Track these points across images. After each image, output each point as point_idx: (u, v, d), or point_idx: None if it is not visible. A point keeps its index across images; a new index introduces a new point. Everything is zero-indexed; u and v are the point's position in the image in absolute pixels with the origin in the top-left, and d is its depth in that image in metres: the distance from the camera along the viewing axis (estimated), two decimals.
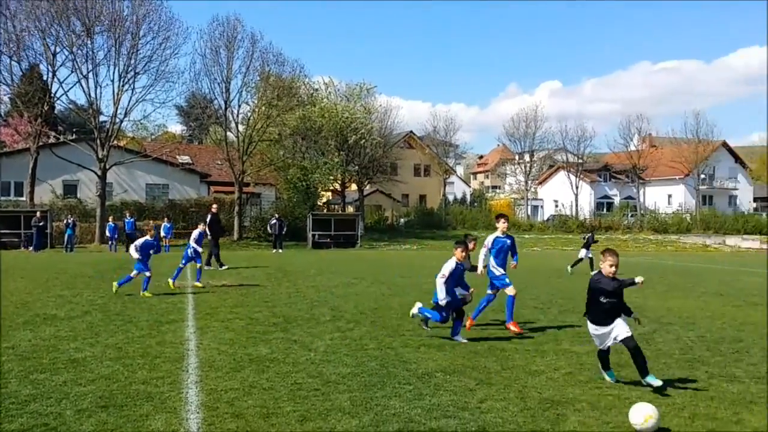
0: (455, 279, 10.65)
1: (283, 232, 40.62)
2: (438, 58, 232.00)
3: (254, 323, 11.82)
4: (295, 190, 50.81)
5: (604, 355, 7.95)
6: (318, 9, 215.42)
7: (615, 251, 7.91)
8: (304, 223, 46.67)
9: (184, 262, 18.28)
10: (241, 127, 49.12)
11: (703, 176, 72.51)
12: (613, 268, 7.69)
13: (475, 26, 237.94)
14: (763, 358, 9.48)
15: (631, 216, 69.49)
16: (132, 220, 36.88)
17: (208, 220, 23.63)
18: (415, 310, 10.72)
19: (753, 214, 73.45)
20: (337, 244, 44.42)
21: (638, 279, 7.73)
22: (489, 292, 11.77)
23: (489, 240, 11.70)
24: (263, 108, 47.86)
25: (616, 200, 77.78)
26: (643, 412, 6.07)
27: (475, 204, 73.66)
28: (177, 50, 44.55)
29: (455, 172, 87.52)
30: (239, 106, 48.60)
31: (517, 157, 76.03)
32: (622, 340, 7.53)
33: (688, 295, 17.76)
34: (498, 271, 11.59)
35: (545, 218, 72.95)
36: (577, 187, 68.58)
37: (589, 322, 7.91)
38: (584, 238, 26.49)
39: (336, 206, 61.22)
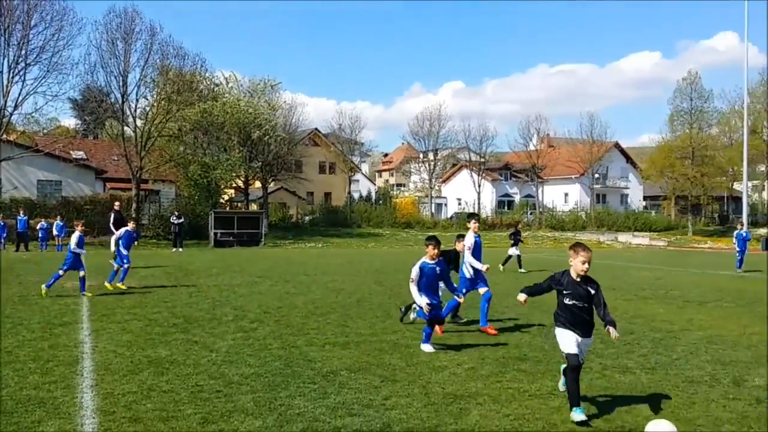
0: (429, 282, 9.60)
1: (183, 230, 39.62)
2: (342, 56, 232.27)
3: (153, 324, 11.46)
4: (196, 187, 49.64)
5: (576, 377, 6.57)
6: (220, 3, 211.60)
7: (586, 246, 6.88)
8: (205, 221, 45.68)
9: (122, 262, 17.40)
10: (139, 122, 47.57)
11: (597, 176, 75.47)
12: (586, 265, 6.68)
13: (379, 25, 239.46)
14: (653, 349, 9.92)
15: (531, 214, 71.61)
16: (24, 218, 35.18)
17: (111, 218, 22.91)
18: (412, 315, 10.45)
19: (643, 212, 77.09)
20: (240, 243, 43.67)
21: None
22: (462, 290, 11.41)
23: (470, 240, 11.52)
24: (162, 102, 46.53)
25: (517, 198, 79.99)
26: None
27: (381, 202, 74.17)
28: (71, 41, 42.48)
29: (360, 170, 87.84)
30: (137, 100, 47.10)
31: (421, 156, 76.96)
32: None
33: None
34: (468, 275, 11.53)
35: (449, 216, 74.19)
36: (479, 186, 70.05)
37: (562, 326, 6.77)
38: (512, 237, 26.64)
39: (239, 204, 60.26)
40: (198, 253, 35.94)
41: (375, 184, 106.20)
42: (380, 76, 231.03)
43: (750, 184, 57.13)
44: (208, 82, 52.03)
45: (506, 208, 77.66)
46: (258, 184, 59.14)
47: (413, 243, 51.83)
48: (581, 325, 6.72)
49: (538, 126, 74.27)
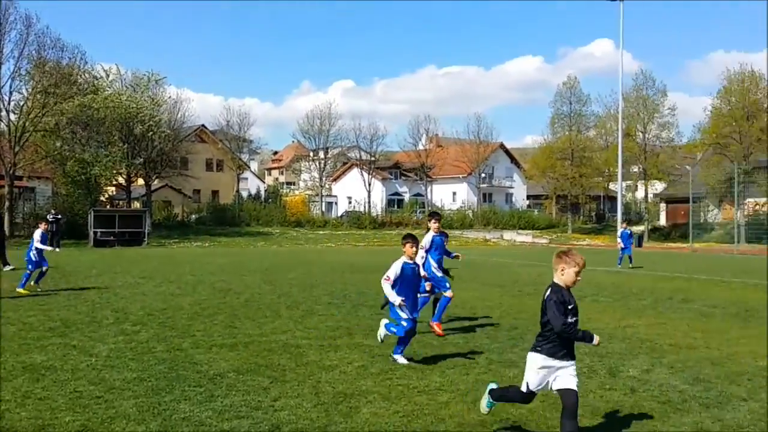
0: (407, 283, 8.72)
1: (61, 229, 37.78)
2: (230, 51, 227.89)
3: (28, 328, 10.83)
4: (74, 184, 47.43)
5: (522, 398, 5.86)
6: None
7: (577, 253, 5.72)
8: (85, 219, 43.74)
9: (31, 267, 16.43)
10: (12, 116, 44.99)
11: (483, 175, 77.56)
12: (580, 277, 5.60)
13: (267, 21, 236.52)
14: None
15: (420, 212, 72.73)
16: None
17: None
18: (382, 332, 8.87)
19: (526, 210, 79.92)
20: (121, 242, 42.07)
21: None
22: (424, 294, 11.01)
23: (427, 240, 11.24)
24: (38, 96, 44.19)
25: (406, 197, 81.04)
26: None
27: (270, 200, 73.35)
28: None
29: (249, 167, 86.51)
30: (11, 93, 44.61)
31: (311, 154, 76.68)
32: (561, 391, 5.47)
33: (469, 287, 18.83)
34: (439, 273, 11.39)
35: (339, 214, 74.31)
36: (369, 184, 70.52)
37: (536, 353, 5.64)
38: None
39: (120, 202, 58.09)
40: (77, 253, 34.36)
41: (264, 183, 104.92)
42: (269, 73, 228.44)
43: (624, 184, 60.22)
44: (88, 76, 49.88)
45: (396, 206, 78.55)
46: (141, 181, 57.19)
47: (303, 242, 51.59)
48: (569, 346, 5.68)
49: (427, 126, 75.65)
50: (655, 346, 10.14)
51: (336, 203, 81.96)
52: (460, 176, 77.89)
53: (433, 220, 11.65)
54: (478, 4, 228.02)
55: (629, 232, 28.51)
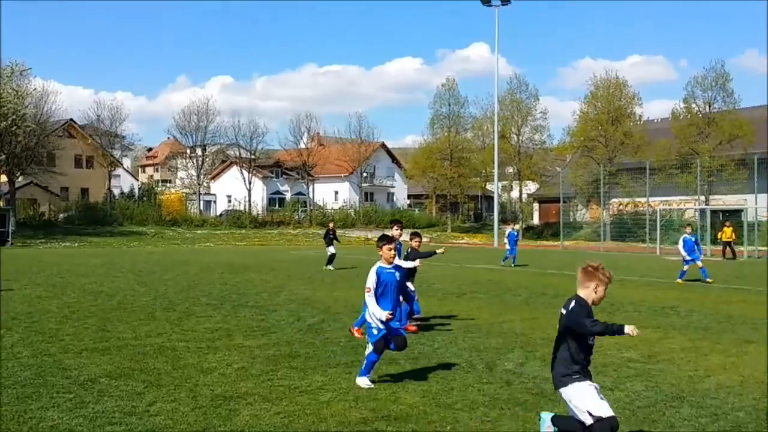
0: (386, 291, 7.80)
1: None
2: (101, 42, 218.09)
3: None
4: None
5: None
6: None
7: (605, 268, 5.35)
8: None
9: None
10: None
11: (365, 174, 78.11)
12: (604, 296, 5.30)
13: (139, 12, 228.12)
14: (416, 340, 10.40)
15: (302, 211, 72.37)
16: None
17: None
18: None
19: (407, 209, 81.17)
20: None
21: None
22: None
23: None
24: None
25: (288, 196, 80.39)
26: None
27: (144, 198, 70.74)
28: None
29: (122, 164, 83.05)
30: None
31: (188, 151, 74.59)
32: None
33: (352, 286, 18.89)
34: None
35: (218, 213, 72.75)
36: (249, 183, 69.44)
37: (582, 380, 5.12)
38: (329, 234, 26.13)
39: None
40: None
41: (138, 180, 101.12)
42: (142, 66, 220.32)
43: (500, 184, 62.29)
44: None
45: (277, 205, 77.78)
46: (4, 178, 53.79)
47: (180, 241, 50.18)
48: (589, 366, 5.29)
49: (308, 124, 75.26)
50: (529, 340, 10.53)
51: (215, 202, 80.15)
52: (342, 175, 78.10)
53: (396, 227, 11.70)
54: (359, 4, 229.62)
55: (516, 233, 29.03)
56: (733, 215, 41.07)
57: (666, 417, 6.46)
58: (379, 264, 7.82)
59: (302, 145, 74.17)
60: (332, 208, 74.09)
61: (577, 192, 57.98)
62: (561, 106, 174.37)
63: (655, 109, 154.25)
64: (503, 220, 37.46)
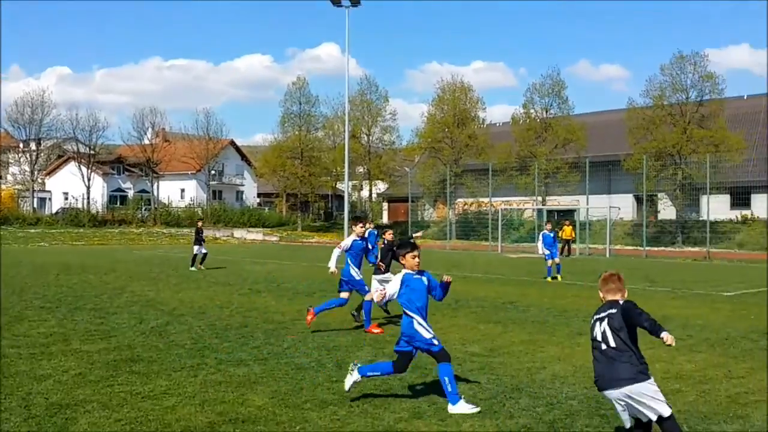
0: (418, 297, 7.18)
1: None
2: None
3: None
4: None
5: None
6: None
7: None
8: None
9: None
10: None
11: (213, 172, 76.25)
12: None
13: None
14: (266, 341, 10.28)
15: (146, 210, 69.56)
16: None
17: None
18: (353, 379, 7.06)
19: (257, 208, 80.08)
20: None
21: None
22: (342, 295, 11.47)
23: (348, 242, 11.58)
24: None
25: (130, 193, 76.95)
26: None
27: None
28: None
29: None
30: None
31: (21, 145, 69.62)
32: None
33: (199, 286, 18.40)
34: (358, 276, 11.50)
35: (54, 211, 68.43)
36: (89, 179, 65.78)
37: (649, 377, 5.15)
38: (199, 233, 25.08)
39: None
40: None
41: None
42: None
43: (351, 183, 62.90)
44: None
45: (119, 203, 74.30)
46: None
47: (12, 241, 46.74)
48: None
49: (152, 119, 72.33)
50: (379, 337, 10.68)
51: (50, 199, 75.30)
52: (189, 173, 75.81)
53: (357, 224, 11.87)
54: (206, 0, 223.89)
55: (375, 233, 29.01)
56: (567, 215, 43.75)
57: (506, 408, 6.75)
58: (405, 271, 7.25)
59: (146, 141, 71.25)
60: (178, 207, 71.77)
61: (424, 192, 59.60)
62: (409, 108, 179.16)
63: (497, 113, 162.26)
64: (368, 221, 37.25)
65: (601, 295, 5.49)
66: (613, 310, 5.25)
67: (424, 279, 7.20)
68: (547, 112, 52.99)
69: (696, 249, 39.61)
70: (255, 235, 60.80)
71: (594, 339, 5.29)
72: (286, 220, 72.55)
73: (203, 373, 8.00)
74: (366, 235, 12.03)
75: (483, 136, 56.11)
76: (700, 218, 43.78)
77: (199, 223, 26.51)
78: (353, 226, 11.89)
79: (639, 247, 38.98)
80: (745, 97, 55.73)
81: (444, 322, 12.22)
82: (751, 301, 15.93)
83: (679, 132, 44.02)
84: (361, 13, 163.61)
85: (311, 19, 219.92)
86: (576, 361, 8.95)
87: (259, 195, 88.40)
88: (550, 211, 46.71)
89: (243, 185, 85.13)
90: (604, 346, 5.19)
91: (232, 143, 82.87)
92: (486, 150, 54.03)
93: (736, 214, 46.67)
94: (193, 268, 24.03)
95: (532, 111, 53.83)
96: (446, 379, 6.70)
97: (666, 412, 4.97)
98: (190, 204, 74.08)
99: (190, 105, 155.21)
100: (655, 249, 40.03)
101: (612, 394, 5.11)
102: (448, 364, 6.80)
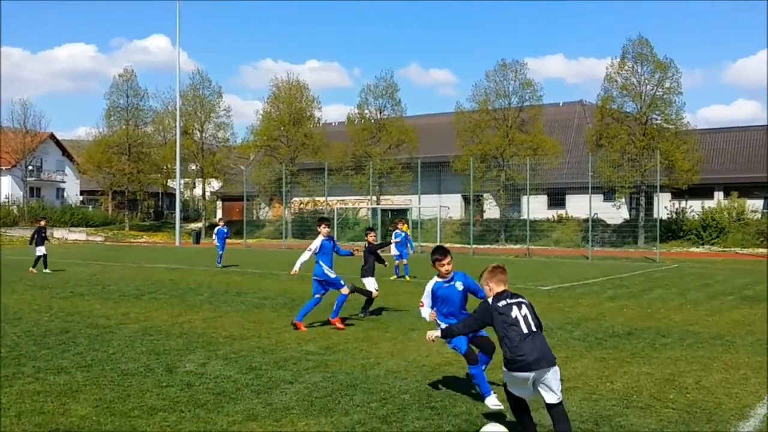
0: (449, 304, 7.24)
1: None
2: None
3: None
4: None
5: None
6: None
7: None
8: None
9: None
10: None
11: (31, 168, 71.13)
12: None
13: None
14: (89, 346, 9.76)
15: None
16: None
17: None
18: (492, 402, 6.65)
19: (80, 207, 75.58)
20: None
21: None
22: (317, 295, 11.93)
23: (316, 243, 11.91)
24: None
25: None
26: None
27: None
28: None
29: None
30: None
31: None
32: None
33: (14, 290, 17.26)
34: (332, 274, 11.90)
35: None
36: None
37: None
38: (40, 233, 22.82)
39: None
40: None
41: None
42: None
43: (183, 181, 60.99)
44: None
45: None
46: None
47: None
48: None
49: None
50: (212, 339, 10.45)
51: None
52: (3, 168, 70.23)
53: (323, 225, 12.21)
54: None
55: (225, 231, 27.90)
56: (400, 214, 44.88)
57: (341, 405, 6.84)
58: (436, 279, 7.21)
59: None
60: None
61: (260, 190, 58.93)
62: (244, 104, 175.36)
63: (333, 113, 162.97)
64: (185, 218, 36.42)
65: (489, 285, 5.75)
66: (523, 299, 5.65)
67: (458, 285, 7.15)
68: (381, 113, 54.06)
69: (518, 246, 42.07)
70: (78, 235, 57.47)
71: (515, 322, 5.49)
72: (113, 219, 69.01)
73: (19, 383, 7.48)
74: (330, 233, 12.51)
75: (319, 135, 56.32)
76: (521, 217, 46.55)
77: (42, 222, 24.77)
78: (319, 227, 12.22)
79: (467, 245, 40.75)
80: (561, 104, 59.93)
81: (280, 322, 12.18)
82: (566, 294, 17.16)
83: (502, 135, 46.47)
84: (194, 6, 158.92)
85: (140, 9, 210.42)
86: (408, 356, 9.23)
87: (82, 192, 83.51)
88: (384, 210, 47.73)
89: (64, 182, 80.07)
90: (527, 329, 5.47)
91: (52, 137, 77.63)
92: (322, 149, 54.28)
93: (552, 214, 50.10)
94: (34, 270, 22.56)
95: (366, 112, 54.70)
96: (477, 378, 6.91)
97: (560, 397, 5.41)
98: (5, 201, 68.56)
99: (5, 95, 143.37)
100: (482, 246, 42.04)
101: (546, 373, 5.38)
102: (476, 367, 6.89)
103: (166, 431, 6.01)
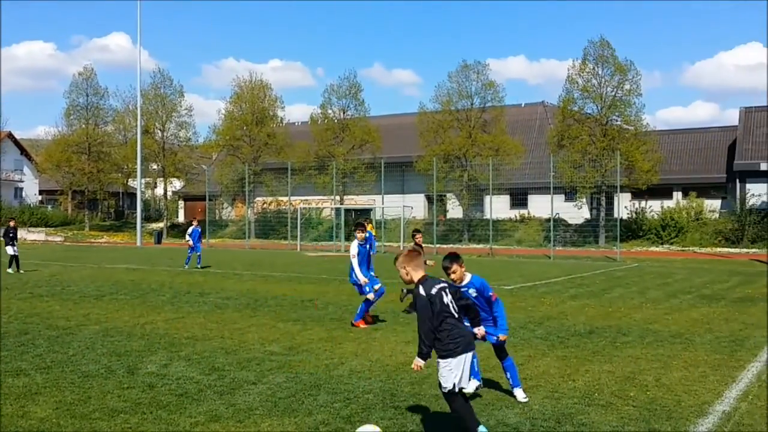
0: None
1: None
2: None
3: None
4: None
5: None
6: None
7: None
8: None
9: None
10: None
11: None
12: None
13: None
14: (49, 348, 9.61)
15: None
16: None
17: None
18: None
19: (39, 206, 74.22)
20: None
21: None
22: (369, 296, 12.10)
23: (354, 250, 12.30)
24: None
25: None
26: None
27: None
28: None
29: None
30: None
31: None
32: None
33: None
34: (363, 278, 12.20)
35: None
36: None
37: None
38: (9, 233, 22.27)
39: None
40: None
41: None
42: None
43: (144, 181, 60.25)
44: None
45: None
46: None
47: None
48: None
49: None
50: (174, 340, 10.37)
51: None
52: None
53: (359, 231, 12.38)
54: None
55: (200, 230, 27.32)
56: (364, 214, 44.91)
57: (305, 405, 6.84)
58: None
59: None
60: None
61: (222, 190, 58.49)
62: (206, 104, 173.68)
63: (296, 112, 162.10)
64: (146, 218, 35.96)
65: (407, 269, 5.70)
66: (445, 284, 5.70)
67: (471, 291, 7.05)
68: (344, 113, 54.02)
69: (481, 246, 42.40)
70: (36, 235, 56.46)
71: (446, 308, 5.55)
72: (72, 219, 67.91)
73: None
74: (366, 236, 12.69)
75: (282, 134, 56.07)
76: (484, 217, 46.92)
77: (12, 222, 24.26)
78: (357, 232, 12.48)
79: (430, 245, 40.93)
80: (523, 105, 60.48)
81: (243, 322, 12.12)
82: (528, 293, 17.36)
83: (464, 136, 46.79)
84: (155, 6, 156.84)
85: (100, 7, 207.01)
86: (372, 356, 9.26)
87: (41, 192, 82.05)
88: (348, 210, 47.71)
89: (23, 181, 78.55)
90: (456, 315, 5.61)
91: (10, 136, 76.13)
92: (285, 149, 54.06)
93: (515, 213, 50.57)
94: (10, 270, 22.19)
95: (329, 111, 54.60)
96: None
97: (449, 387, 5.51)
98: None
99: None
100: (445, 246, 42.21)
101: (472, 355, 5.55)
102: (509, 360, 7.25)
103: None
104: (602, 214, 43.56)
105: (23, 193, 78.49)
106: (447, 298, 5.59)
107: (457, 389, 5.47)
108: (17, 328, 11.32)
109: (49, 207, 75.65)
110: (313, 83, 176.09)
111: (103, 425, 6.12)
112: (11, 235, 23.19)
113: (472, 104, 47.93)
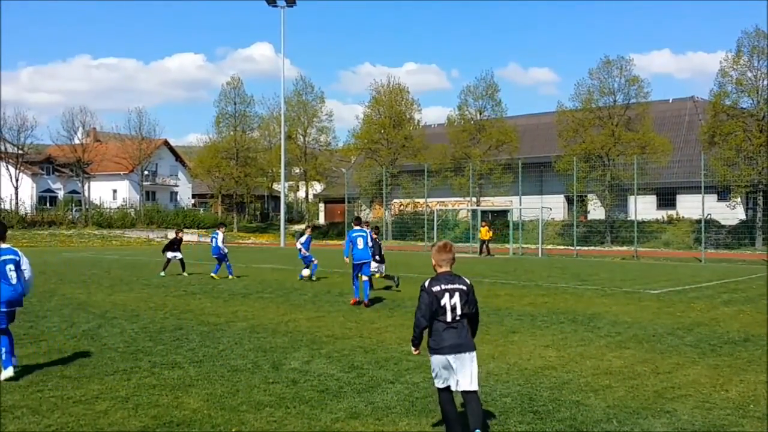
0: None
1: None
2: None
3: None
4: None
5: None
6: None
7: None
8: None
9: None
10: None
11: (146, 173, 74.75)
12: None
13: None
14: (201, 343, 10.18)
15: (76, 211, 67.70)
16: None
17: None
18: None
19: (192, 209, 78.83)
20: None
21: None
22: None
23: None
24: None
25: (60, 194, 74.82)
26: None
27: None
28: None
29: None
30: None
31: None
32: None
33: (132, 289, 18.07)
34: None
35: None
36: (17, 180, 63.75)
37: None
38: (172, 245, 23.92)
39: None
40: None
41: None
42: None
43: (287, 184, 62.49)
44: None
45: (49, 204, 72.10)
46: None
47: None
48: None
49: (83, 119, 70.37)
50: (315, 337, 10.69)
51: None
52: (122, 173, 74.14)
53: (366, 226, 15.44)
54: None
55: (311, 238, 28.09)
56: (500, 215, 44.41)
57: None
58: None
59: (77, 141, 69.32)
60: (110, 208, 70.00)
61: (361, 192, 59.68)
62: (344, 108, 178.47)
63: (432, 114, 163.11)
64: (289, 220, 37.22)
65: (438, 263, 5.83)
66: (462, 286, 5.69)
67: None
68: (480, 114, 53.64)
69: (624, 248, 40.80)
70: (190, 236, 59.86)
71: (442, 308, 5.61)
72: (222, 221, 71.52)
73: (136, 377, 7.89)
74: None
75: (419, 137, 56.46)
76: (628, 218, 45.13)
77: (180, 234, 25.13)
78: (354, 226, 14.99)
79: (570, 247, 39.91)
80: (671, 101, 57.63)
81: (380, 323, 12.31)
82: (677, 298, 16.52)
83: (607, 134, 45.18)
84: (293, 13, 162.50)
85: (242, 18, 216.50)
86: (510, 359, 9.15)
87: (194, 196, 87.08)
88: (484, 212, 47.35)
89: (177, 186, 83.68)
90: (452, 317, 5.60)
91: (166, 143, 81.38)
92: (422, 151, 54.38)
93: (662, 214, 48.28)
94: (162, 274, 23.35)
95: (466, 113, 54.36)
96: None
97: (477, 386, 5.58)
98: (122, 205, 72.39)
99: (122, 105, 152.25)
100: (586, 248, 41.05)
101: (463, 357, 5.54)
102: None
103: (273, 426, 6.21)
104: (759, 214, 40.70)
105: (178, 197, 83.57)
106: (448, 300, 5.59)
107: (441, 386, 5.63)
108: (173, 323, 12.06)
109: (201, 210, 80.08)
110: (449, 85, 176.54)
111: (249, 418, 6.41)
112: (175, 247, 24.14)
113: (615, 101, 46.24)
